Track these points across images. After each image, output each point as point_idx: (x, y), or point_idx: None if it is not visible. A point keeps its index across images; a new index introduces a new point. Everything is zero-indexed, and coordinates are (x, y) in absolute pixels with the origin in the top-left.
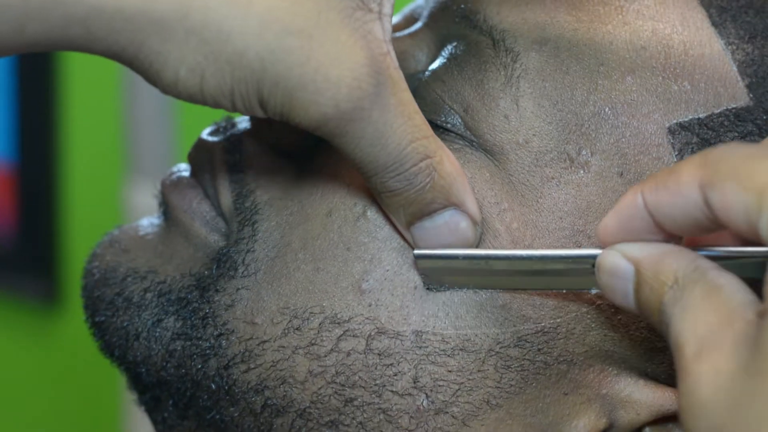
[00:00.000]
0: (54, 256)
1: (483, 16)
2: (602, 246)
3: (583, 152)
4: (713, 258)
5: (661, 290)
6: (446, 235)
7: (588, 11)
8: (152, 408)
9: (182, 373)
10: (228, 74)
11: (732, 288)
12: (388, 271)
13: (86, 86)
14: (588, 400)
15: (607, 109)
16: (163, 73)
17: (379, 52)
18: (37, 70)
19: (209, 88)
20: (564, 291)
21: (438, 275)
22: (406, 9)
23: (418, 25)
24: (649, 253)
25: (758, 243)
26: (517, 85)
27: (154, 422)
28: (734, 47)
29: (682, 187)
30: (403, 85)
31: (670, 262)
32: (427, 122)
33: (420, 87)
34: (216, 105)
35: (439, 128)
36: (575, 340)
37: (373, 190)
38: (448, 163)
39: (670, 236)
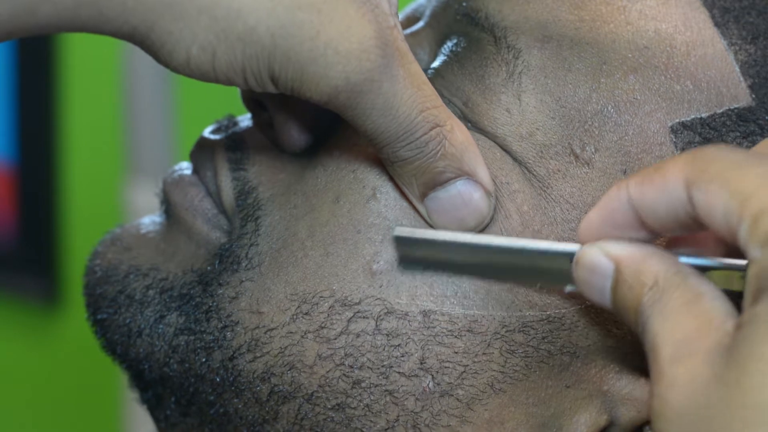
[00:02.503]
0: (54, 255)
1: (485, 13)
2: (582, 241)
3: (588, 148)
4: (696, 267)
5: (640, 291)
6: (460, 205)
7: (590, 11)
8: (154, 406)
9: (185, 368)
10: (239, 51)
11: (712, 296)
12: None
13: (86, 86)
14: (589, 395)
15: (609, 108)
16: (175, 52)
17: (386, 25)
18: (38, 70)
19: (221, 66)
20: (538, 286)
21: (416, 257)
22: (408, 9)
23: (420, 24)
24: (630, 252)
25: (736, 247)
26: (519, 80)
27: (156, 420)
28: (737, 48)
29: (668, 182)
30: (411, 57)
31: (652, 264)
32: (436, 93)
33: None
34: (228, 82)
35: None
36: (579, 332)
37: (385, 162)
38: (458, 132)
39: (652, 234)
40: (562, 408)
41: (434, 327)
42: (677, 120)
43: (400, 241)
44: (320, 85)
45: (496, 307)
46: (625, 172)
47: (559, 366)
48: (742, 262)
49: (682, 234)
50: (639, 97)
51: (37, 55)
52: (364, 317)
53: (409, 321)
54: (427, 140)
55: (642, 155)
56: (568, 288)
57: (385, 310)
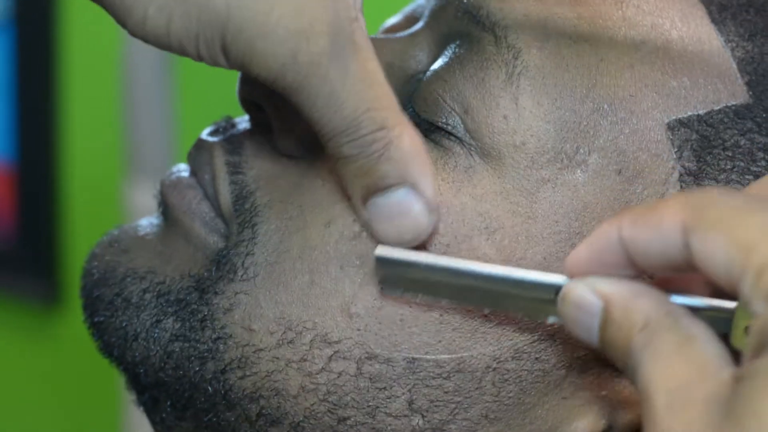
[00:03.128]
0: (54, 256)
1: (486, 11)
2: (569, 275)
3: (581, 150)
4: (686, 306)
5: (630, 332)
6: (397, 215)
7: (589, 7)
8: (150, 408)
9: (180, 375)
10: (195, 17)
11: (705, 339)
12: (375, 300)
13: (86, 86)
14: (587, 402)
15: (605, 106)
16: (133, 11)
17: (345, 15)
18: (37, 70)
19: (176, 30)
20: (519, 315)
21: (397, 279)
22: (407, 9)
23: (420, 24)
24: (620, 290)
25: (732, 296)
26: (517, 82)
27: (153, 422)
28: (734, 45)
29: (664, 226)
30: (370, 54)
31: (642, 303)
32: (392, 95)
33: (421, 87)
34: (181, 49)
35: (440, 130)
36: (572, 345)
37: (332, 158)
38: (407, 140)
39: (641, 273)
40: (561, 418)
41: (420, 372)
42: (674, 117)
43: (382, 262)
44: (268, 62)
45: (484, 345)
46: (619, 171)
47: (555, 381)
48: (732, 304)
49: (673, 275)
50: (635, 94)
51: (37, 55)
52: (344, 358)
53: (392, 366)
54: (371, 140)
55: (638, 153)
56: (551, 320)
57: (366, 355)
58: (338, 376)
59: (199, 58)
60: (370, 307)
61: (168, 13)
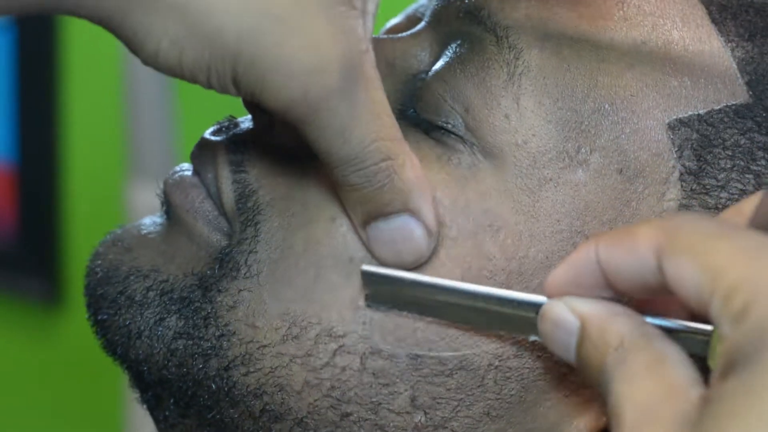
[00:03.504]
0: (55, 255)
1: (487, 11)
2: (549, 295)
3: (582, 150)
4: (661, 328)
5: (605, 350)
6: (399, 240)
7: (590, 7)
8: (154, 406)
9: (183, 372)
10: (207, 50)
11: (677, 360)
12: None
13: (87, 86)
14: (588, 400)
15: (606, 106)
16: (146, 44)
17: (356, 49)
18: (38, 71)
19: (188, 62)
20: (502, 333)
21: (382, 295)
22: (409, 9)
23: (421, 25)
24: (597, 310)
25: (705, 320)
26: (518, 82)
27: (156, 420)
28: (734, 45)
29: (638, 248)
30: (378, 84)
31: (618, 324)
32: (397, 125)
33: (423, 88)
34: (192, 79)
35: (440, 129)
36: None
37: (334, 183)
38: (410, 169)
39: (618, 295)
40: (562, 416)
41: (423, 369)
42: (674, 117)
43: (367, 277)
44: (279, 95)
45: (487, 343)
46: (621, 171)
47: (557, 379)
48: (708, 327)
49: (649, 297)
50: (636, 94)
51: (37, 56)
52: (348, 353)
53: (396, 363)
54: (375, 171)
55: (639, 153)
56: (532, 338)
57: (370, 350)
58: (342, 371)
59: (210, 87)
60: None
61: (180, 46)
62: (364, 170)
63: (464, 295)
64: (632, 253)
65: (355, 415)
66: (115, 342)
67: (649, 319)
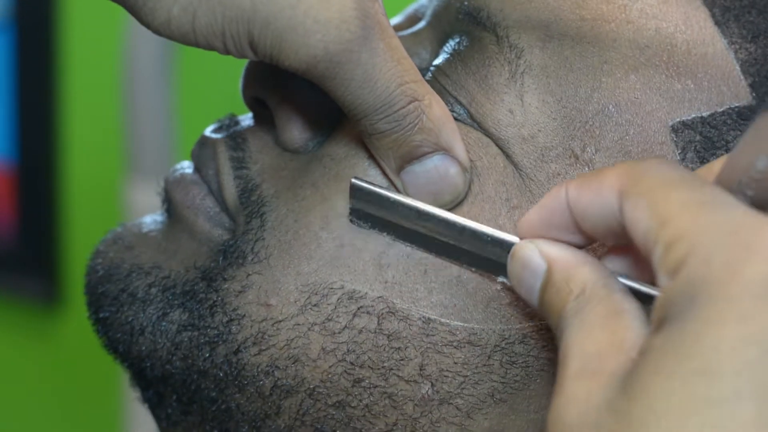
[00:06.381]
0: (54, 255)
1: (487, 12)
2: (521, 237)
3: (588, 149)
4: (630, 289)
5: (566, 297)
6: (436, 180)
7: (591, 10)
8: (155, 404)
9: (188, 365)
10: (219, 14)
11: (633, 316)
12: (404, 251)
13: (86, 86)
14: None
15: (611, 107)
16: (157, 12)
17: None
18: (38, 70)
19: (201, 28)
20: (474, 269)
21: (367, 212)
22: (409, 8)
23: (422, 24)
24: (565, 256)
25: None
26: (521, 80)
27: (157, 419)
28: (737, 46)
29: (603, 189)
30: (391, 32)
31: (583, 272)
32: (416, 68)
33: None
34: (208, 45)
35: None
36: None
37: (363, 134)
38: (437, 107)
39: (588, 239)
40: None
41: (434, 335)
42: (678, 119)
43: (355, 192)
44: (299, 54)
45: (495, 321)
46: None
47: None
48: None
49: (617, 242)
50: (640, 96)
51: (37, 55)
52: (367, 313)
53: (409, 325)
54: (404, 114)
55: (643, 155)
56: (501, 278)
57: (387, 309)
58: (359, 333)
59: (227, 52)
60: (399, 255)
61: (192, 11)
62: (392, 115)
63: (442, 224)
64: (598, 194)
65: (366, 381)
66: (117, 339)
67: (619, 278)
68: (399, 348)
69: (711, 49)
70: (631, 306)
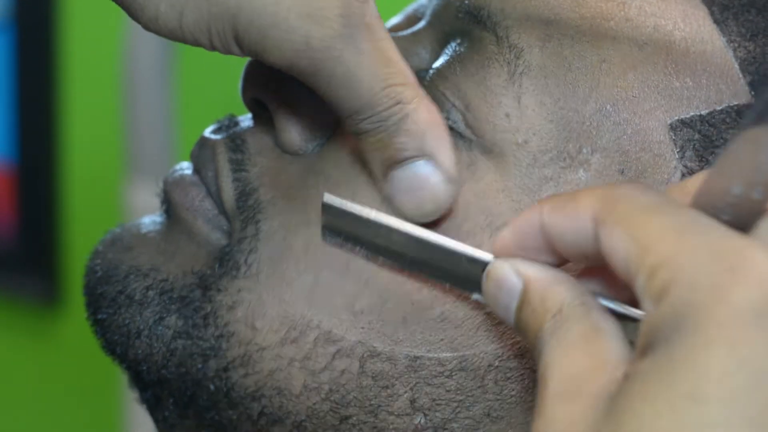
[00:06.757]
0: (54, 255)
1: (487, 11)
2: (496, 256)
3: (584, 150)
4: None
5: (543, 316)
6: (416, 187)
7: (591, 8)
8: (153, 406)
9: (183, 372)
10: (205, 11)
11: (611, 336)
12: (379, 297)
13: (86, 86)
14: None
15: (608, 106)
16: (146, 7)
17: None
18: (38, 70)
19: (188, 24)
20: (447, 286)
21: (339, 229)
22: (409, 8)
23: (421, 24)
24: (541, 275)
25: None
26: (519, 82)
27: (156, 421)
28: (736, 45)
29: (579, 214)
30: (383, 34)
31: (559, 291)
32: (410, 71)
33: (423, 85)
34: (194, 41)
35: None
36: None
37: (352, 134)
38: (424, 112)
39: (562, 260)
40: None
41: (422, 370)
42: (676, 117)
43: (328, 209)
44: (282, 50)
45: (487, 343)
46: (622, 171)
47: None
48: (642, 313)
49: (591, 264)
50: (638, 95)
51: (37, 55)
52: (347, 356)
53: (394, 364)
54: (388, 115)
55: (640, 154)
56: (475, 296)
57: (369, 353)
58: (341, 374)
59: (213, 48)
60: (373, 305)
61: (179, 8)
62: (376, 116)
63: (416, 242)
64: (573, 219)
65: (355, 418)
66: (115, 341)
67: (598, 298)
68: (386, 386)
69: (710, 47)
70: (610, 325)
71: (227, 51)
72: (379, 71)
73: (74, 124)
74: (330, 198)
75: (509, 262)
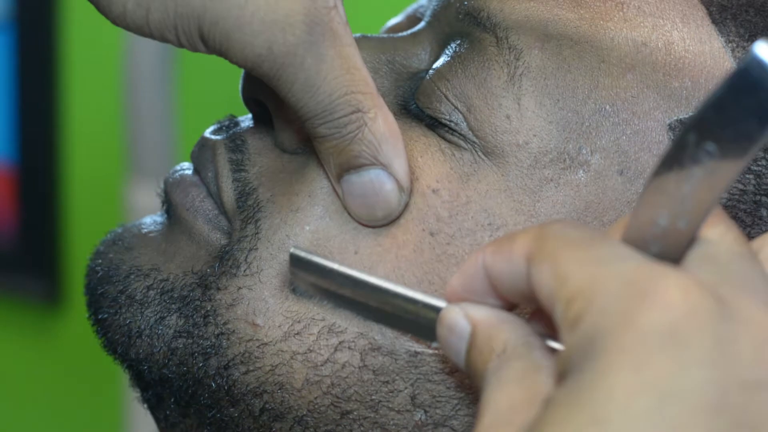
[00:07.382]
0: (55, 255)
1: (487, 13)
2: (448, 301)
3: (583, 151)
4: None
5: (488, 356)
6: (370, 193)
7: (590, 8)
8: (154, 405)
9: (184, 371)
10: (171, 10)
11: (552, 372)
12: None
13: (87, 86)
14: None
15: (608, 107)
16: (113, 4)
17: (322, 5)
18: (38, 71)
19: (154, 22)
20: (409, 335)
21: (307, 281)
22: (409, 9)
23: (421, 24)
24: (488, 317)
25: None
26: (519, 83)
27: (157, 420)
28: (734, 45)
29: (513, 255)
30: (348, 40)
31: (504, 331)
32: (370, 80)
33: (424, 85)
34: (162, 38)
35: (443, 126)
36: None
37: (308, 134)
38: (382, 122)
39: (509, 304)
40: None
41: (423, 366)
42: (675, 118)
43: (295, 261)
44: (245, 52)
45: None
46: (621, 172)
47: None
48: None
49: (532, 306)
50: (637, 95)
51: (37, 55)
52: (349, 348)
53: (395, 359)
54: (345, 122)
55: (640, 154)
56: (434, 344)
57: (370, 346)
58: (342, 368)
59: (180, 45)
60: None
61: (146, 6)
62: (333, 122)
63: (375, 291)
64: (509, 259)
65: (355, 413)
66: (116, 341)
67: (544, 339)
68: (387, 381)
69: (708, 48)
70: (551, 363)
71: (194, 49)
72: (340, 78)
73: (75, 125)
74: (296, 251)
75: (460, 306)
